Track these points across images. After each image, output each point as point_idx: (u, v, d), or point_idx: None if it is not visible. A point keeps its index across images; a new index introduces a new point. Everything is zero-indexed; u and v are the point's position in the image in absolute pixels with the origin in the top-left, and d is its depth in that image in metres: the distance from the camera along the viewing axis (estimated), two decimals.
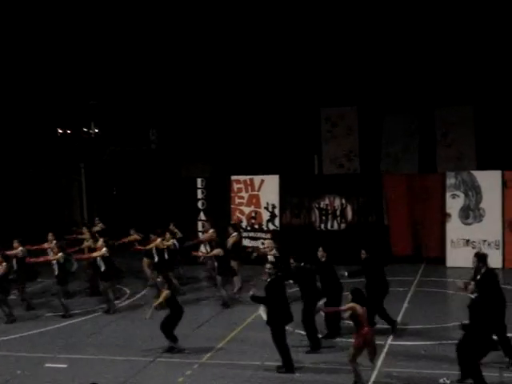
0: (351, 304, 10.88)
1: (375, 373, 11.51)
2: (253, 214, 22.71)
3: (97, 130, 29.67)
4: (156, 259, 17.93)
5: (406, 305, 16.03)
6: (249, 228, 22.66)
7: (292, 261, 13.44)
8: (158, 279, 15.02)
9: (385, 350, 12.79)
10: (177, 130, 28.11)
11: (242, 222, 22.65)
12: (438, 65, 24.53)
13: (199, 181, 23.57)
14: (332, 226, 22.47)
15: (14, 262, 16.88)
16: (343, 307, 11.47)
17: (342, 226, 22.35)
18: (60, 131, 29.65)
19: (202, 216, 23.15)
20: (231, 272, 17.28)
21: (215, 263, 17.07)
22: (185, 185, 23.97)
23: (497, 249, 20.75)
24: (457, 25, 23.90)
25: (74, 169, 29.41)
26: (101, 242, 16.82)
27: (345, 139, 27.04)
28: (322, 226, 22.57)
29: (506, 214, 20.80)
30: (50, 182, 29.49)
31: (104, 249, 16.46)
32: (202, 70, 26.50)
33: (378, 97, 25.76)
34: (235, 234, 18.26)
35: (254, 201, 22.91)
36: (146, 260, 18.91)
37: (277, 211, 22.67)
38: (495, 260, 20.40)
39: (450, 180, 21.37)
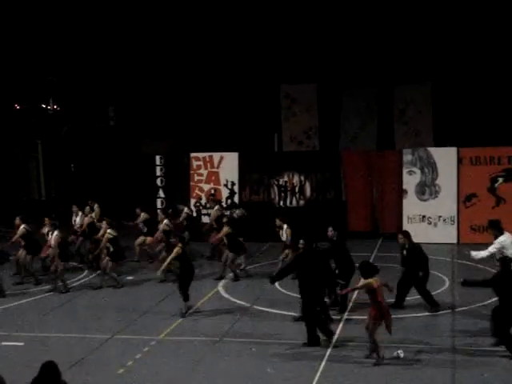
0: (367, 281, 11.10)
1: (330, 348, 11.74)
2: (212, 191, 22.73)
3: (55, 107, 29.22)
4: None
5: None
6: (208, 205, 22.66)
7: (302, 242, 13.27)
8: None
9: (341, 324, 13.04)
10: (136, 107, 27.83)
11: (201, 199, 22.68)
12: (397, 42, 24.64)
13: (158, 158, 23.48)
14: (291, 203, 22.64)
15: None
16: (359, 285, 11.54)
17: (301, 202, 22.53)
18: (18, 107, 29.09)
19: (161, 193, 23.12)
20: (242, 248, 17.47)
21: (225, 240, 17.21)
22: (143, 162, 23.89)
23: (452, 224, 21.14)
24: (415, 2, 24.04)
25: (31, 145, 28.97)
26: (104, 224, 17.20)
27: (304, 116, 27.07)
28: (282, 202, 22.73)
29: (461, 191, 21.18)
30: (6, 158, 29.00)
31: (109, 230, 16.69)
32: (160, 46, 26.21)
33: (337, 74, 25.82)
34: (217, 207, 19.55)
35: (213, 178, 22.94)
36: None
37: (236, 188, 22.74)
38: (450, 235, 20.90)
39: (407, 157, 21.64)
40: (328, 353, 11.55)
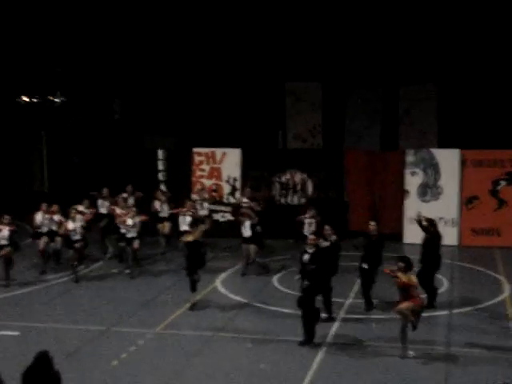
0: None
1: (325, 346, 11.74)
2: (214, 187, 22.74)
3: (63, 99, 29.20)
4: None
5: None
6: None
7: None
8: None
9: (336, 323, 13.04)
10: (141, 101, 27.84)
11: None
12: (403, 43, 24.57)
13: (160, 152, 23.49)
14: (292, 201, 22.64)
15: None
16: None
17: (302, 200, 22.51)
18: (26, 99, 29.07)
19: (163, 188, 23.12)
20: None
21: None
22: (146, 156, 23.87)
23: (453, 226, 21.08)
24: (422, 3, 23.97)
25: (35, 137, 28.99)
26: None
27: (309, 114, 27.00)
28: (283, 200, 22.74)
29: (463, 192, 21.13)
30: (10, 150, 29.04)
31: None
32: (166, 41, 26.20)
33: (342, 73, 25.77)
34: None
35: (215, 174, 22.95)
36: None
37: (238, 184, 22.75)
38: (451, 237, 20.81)
39: (409, 157, 21.58)
40: (323, 350, 11.56)
